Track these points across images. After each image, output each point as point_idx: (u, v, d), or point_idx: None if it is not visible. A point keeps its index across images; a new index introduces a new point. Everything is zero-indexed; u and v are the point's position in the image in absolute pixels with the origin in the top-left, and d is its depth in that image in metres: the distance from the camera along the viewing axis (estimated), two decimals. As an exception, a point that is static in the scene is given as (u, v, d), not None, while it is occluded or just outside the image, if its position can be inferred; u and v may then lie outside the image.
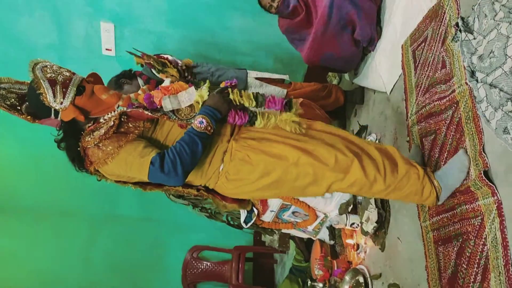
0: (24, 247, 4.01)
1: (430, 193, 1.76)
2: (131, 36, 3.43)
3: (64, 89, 1.56)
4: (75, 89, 1.58)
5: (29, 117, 1.62)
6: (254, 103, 1.70)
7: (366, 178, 1.67)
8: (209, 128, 1.59)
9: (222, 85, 1.77)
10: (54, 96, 1.54)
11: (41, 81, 1.53)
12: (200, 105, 1.67)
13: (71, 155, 1.68)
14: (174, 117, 1.68)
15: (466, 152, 1.76)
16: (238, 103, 1.70)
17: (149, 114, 1.65)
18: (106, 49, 3.46)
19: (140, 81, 2.83)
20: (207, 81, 1.77)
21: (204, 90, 1.68)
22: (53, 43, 3.40)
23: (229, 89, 1.70)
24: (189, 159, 1.55)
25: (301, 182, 1.69)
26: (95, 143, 1.59)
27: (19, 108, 1.64)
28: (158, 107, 1.68)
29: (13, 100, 1.63)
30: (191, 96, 1.67)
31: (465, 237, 1.71)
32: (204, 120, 1.59)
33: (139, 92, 1.75)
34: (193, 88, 1.69)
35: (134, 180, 1.73)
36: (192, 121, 1.64)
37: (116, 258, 4.23)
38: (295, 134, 1.71)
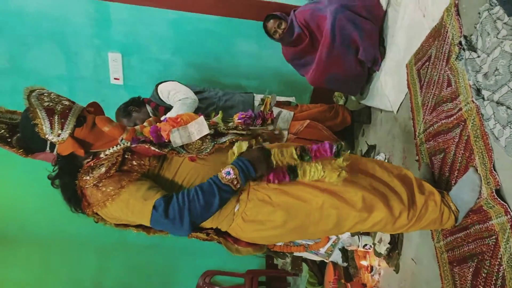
0: (34, 277, 4.02)
1: (449, 218, 1.71)
2: (138, 65, 3.49)
3: (62, 120, 1.38)
4: (75, 119, 1.40)
5: (20, 150, 1.43)
6: (298, 161, 1.49)
7: (391, 215, 1.59)
8: (235, 182, 1.38)
9: (235, 117, 1.65)
10: (51, 127, 1.36)
11: (37, 110, 1.36)
12: (234, 156, 1.48)
13: (66, 194, 1.48)
14: (184, 151, 1.50)
15: (476, 170, 1.74)
16: (280, 164, 1.50)
17: (156, 150, 1.46)
18: (115, 78, 3.51)
19: (148, 108, 2.87)
20: (220, 112, 1.64)
21: (244, 143, 1.49)
22: (63, 74, 3.47)
23: (272, 152, 1.49)
24: (199, 210, 1.36)
25: (324, 226, 1.56)
26: (94, 183, 1.41)
27: (9, 140, 1.44)
28: (166, 141, 1.50)
29: (2, 131, 1.43)
30: (202, 126, 1.51)
31: (480, 257, 1.68)
32: (232, 172, 1.38)
33: (145, 124, 1.60)
34: (202, 117, 1.53)
35: (135, 223, 1.54)
36: (204, 152, 1.49)
37: (127, 285, 4.22)
38: None
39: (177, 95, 2.73)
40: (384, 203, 1.57)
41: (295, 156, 1.49)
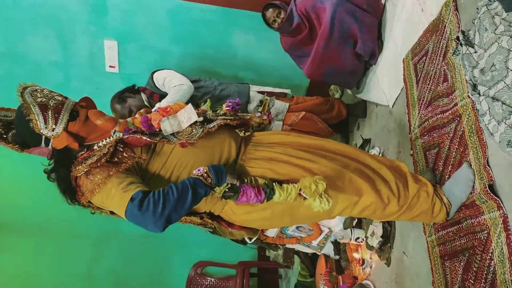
0: (28, 264, 4.01)
1: (440, 210, 1.74)
2: (134, 53, 3.46)
3: (56, 115, 1.43)
4: (68, 114, 1.46)
5: (16, 146, 1.48)
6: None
7: (380, 200, 1.62)
8: (206, 176, 1.42)
9: (224, 105, 1.71)
10: (46, 123, 1.41)
11: (31, 106, 1.41)
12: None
13: (62, 186, 1.52)
14: (174, 139, 1.53)
15: (470, 165, 1.75)
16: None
17: (148, 139, 1.51)
18: (110, 66, 3.48)
19: (143, 96, 2.85)
20: (208, 100, 1.70)
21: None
22: (58, 61, 3.43)
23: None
24: (173, 204, 1.36)
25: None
26: (85, 171, 1.44)
27: (4, 136, 1.49)
28: (157, 130, 1.55)
29: None
30: (191, 114, 1.56)
31: (471, 251, 1.69)
32: (202, 168, 1.44)
33: (136, 115, 1.63)
34: (190, 105, 1.58)
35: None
36: (194, 137, 1.52)
37: (120, 275, 4.22)
38: (307, 154, 1.63)
39: (172, 82, 2.72)
40: (372, 187, 1.61)
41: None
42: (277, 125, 2.96)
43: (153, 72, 2.85)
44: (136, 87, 2.92)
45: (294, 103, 3.10)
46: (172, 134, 1.54)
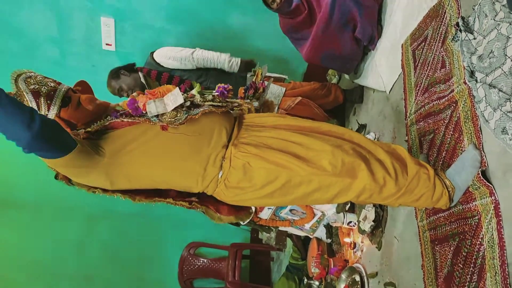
0: (21, 238, 4.03)
1: (442, 194, 1.68)
2: (131, 31, 3.42)
3: (48, 101, 1.47)
4: (60, 100, 1.50)
5: None
6: None
7: (375, 182, 1.58)
8: None
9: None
10: (38, 109, 1.46)
11: (24, 93, 1.45)
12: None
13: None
14: (157, 120, 1.55)
15: (476, 146, 1.70)
16: None
17: (128, 120, 1.55)
18: (106, 44, 3.45)
19: (140, 75, 2.85)
20: (198, 85, 1.71)
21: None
22: (54, 36, 3.39)
23: None
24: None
25: (306, 189, 1.60)
26: None
27: None
28: (143, 112, 1.56)
29: None
30: (177, 97, 1.56)
31: (461, 236, 1.71)
32: None
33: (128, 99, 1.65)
34: (177, 89, 1.59)
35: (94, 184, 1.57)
36: (176, 122, 1.53)
37: (112, 252, 4.25)
38: (300, 137, 1.62)
39: (185, 50, 2.78)
40: (366, 166, 1.58)
41: None
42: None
43: (152, 52, 2.85)
44: (134, 66, 2.91)
45: (290, 88, 3.09)
46: (156, 116, 1.56)
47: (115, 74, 2.85)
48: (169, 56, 2.81)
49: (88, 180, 1.55)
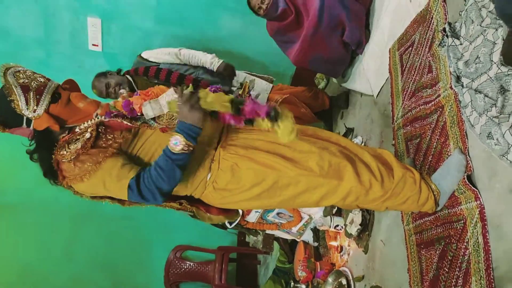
0: (6, 241, 3.96)
1: (427, 198, 1.69)
2: (118, 32, 3.39)
3: (38, 96, 1.45)
4: (50, 96, 1.47)
5: None
6: (230, 109, 1.48)
7: (361, 184, 1.59)
8: (186, 148, 1.42)
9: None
10: (27, 104, 1.43)
11: (13, 87, 1.42)
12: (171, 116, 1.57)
13: (43, 167, 1.53)
14: (155, 124, 1.57)
15: (461, 151, 1.72)
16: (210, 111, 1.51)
17: (128, 124, 1.54)
18: (93, 45, 3.41)
19: (128, 76, 2.83)
20: (190, 85, 1.69)
21: (173, 102, 1.50)
22: (40, 36, 3.35)
23: (200, 95, 1.48)
24: (167, 184, 1.45)
25: (293, 190, 1.60)
26: (72, 158, 1.45)
27: None
28: (139, 114, 1.57)
29: None
30: (172, 98, 1.54)
31: (447, 240, 1.72)
32: (179, 139, 1.42)
33: (119, 99, 1.63)
34: (172, 90, 1.57)
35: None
36: (174, 122, 1.52)
37: (98, 255, 4.20)
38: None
39: (170, 49, 2.81)
40: (353, 167, 1.59)
41: (227, 103, 1.48)
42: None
43: (140, 54, 2.84)
44: (122, 72, 2.89)
45: (278, 89, 3.10)
46: (153, 118, 1.57)
47: (102, 74, 2.83)
48: (157, 52, 2.83)
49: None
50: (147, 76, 2.76)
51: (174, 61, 2.82)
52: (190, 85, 1.67)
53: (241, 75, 2.97)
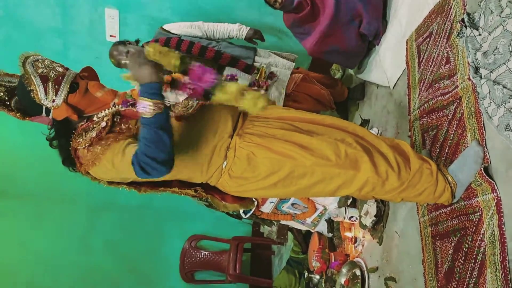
0: (24, 229, 4.05)
1: (444, 190, 1.68)
2: (135, 23, 3.42)
3: (56, 86, 1.46)
4: (68, 86, 1.48)
5: (18, 114, 1.52)
6: (178, 66, 1.45)
7: (377, 175, 1.58)
8: (156, 107, 1.37)
9: (222, 78, 1.71)
10: (46, 94, 1.45)
11: (32, 76, 1.43)
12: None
13: (62, 155, 1.56)
14: (170, 112, 1.54)
15: (479, 143, 1.70)
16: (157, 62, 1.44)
17: None
18: (110, 36, 3.44)
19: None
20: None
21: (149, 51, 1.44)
22: (58, 27, 3.39)
23: (146, 50, 1.43)
24: (158, 152, 1.38)
25: (309, 180, 1.59)
26: (86, 145, 1.48)
27: (8, 103, 1.52)
28: None
29: (1, 94, 1.51)
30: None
31: (463, 232, 1.71)
32: (144, 102, 1.37)
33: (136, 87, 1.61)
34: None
35: (128, 180, 1.58)
36: (189, 110, 1.53)
37: (114, 244, 4.27)
38: (304, 126, 1.63)
39: (196, 22, 2.79)
40: (370, 158, 1.58)
41: (175, 59, 1.46)
42: (279, 89, 2.88)
43: (161, 26, 2.85)
44: (140, 43, 2.88)
45: (298, 71, 3.07)
46: (168, 107, 1.54)
47: (120, 42, 2.79)
48: (179, 24, 2.80)
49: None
50: (168, 47, 2.76)
51: (197, 34, 2.79)
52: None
53: (261, 53, 2.91)
